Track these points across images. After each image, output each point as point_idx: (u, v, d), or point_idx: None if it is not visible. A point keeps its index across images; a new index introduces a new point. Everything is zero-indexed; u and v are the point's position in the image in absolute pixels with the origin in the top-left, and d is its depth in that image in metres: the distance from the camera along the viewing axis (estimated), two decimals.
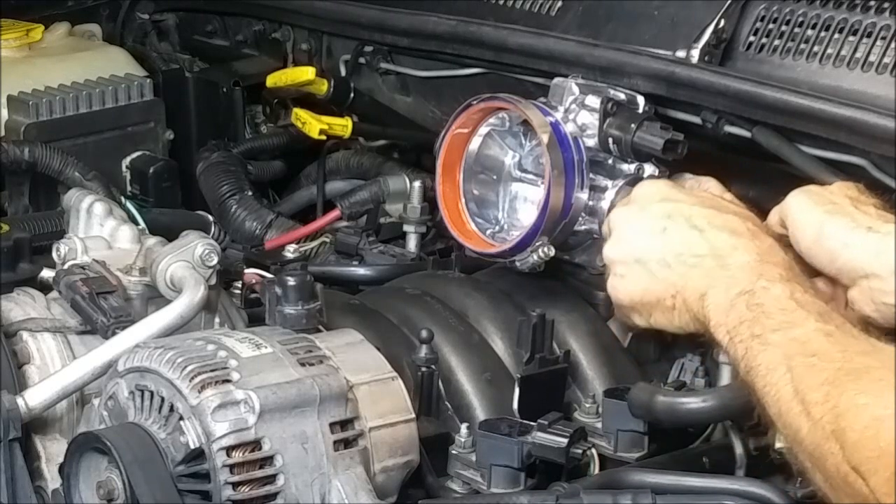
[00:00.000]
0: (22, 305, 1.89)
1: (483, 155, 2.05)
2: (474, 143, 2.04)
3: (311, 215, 2.68)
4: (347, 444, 1.68)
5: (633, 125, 1.95)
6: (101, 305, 1.83)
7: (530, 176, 2.03)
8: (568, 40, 2.14)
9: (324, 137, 2.63)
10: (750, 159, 2.00)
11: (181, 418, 1.62)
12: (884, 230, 1.65)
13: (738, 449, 1.89)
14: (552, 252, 1.94)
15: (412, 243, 2.44)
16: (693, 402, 1.79)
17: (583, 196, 1.95)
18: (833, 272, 1.69)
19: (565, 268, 2.05)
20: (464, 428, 1.86)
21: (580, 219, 1.96)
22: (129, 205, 2.42)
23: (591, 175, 1.95)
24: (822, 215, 1.69)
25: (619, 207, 1.86)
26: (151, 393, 1.65)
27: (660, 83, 2.00)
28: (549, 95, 2.01)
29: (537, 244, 1.93)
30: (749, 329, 1.57)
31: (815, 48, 1.96)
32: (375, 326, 1.95)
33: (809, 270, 1.71)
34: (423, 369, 1.86)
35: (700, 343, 1.92)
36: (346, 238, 2.41)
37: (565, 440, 1.76)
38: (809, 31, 1.97)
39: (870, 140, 1.81)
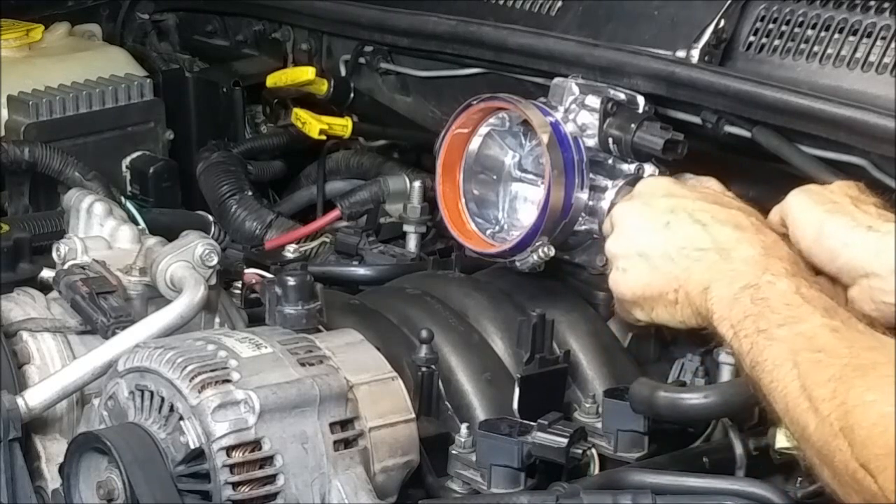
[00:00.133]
0: (22, 305, 1.89)
1: (483, 155, 2.05)
2: (474, 143, 2.04)
3: (311, 215, 2.68)
4: (347, 444, 1.68)
5: (633, 125, 1.95)
6: (101, 305, 1.83)
7: (530, 176, 2.03)
8: (568, 40, 2.14)
9: (324, 137, 2.63)
10: (750, 159, 2.00)
11: (181, 418, 1.62)
12: (884, 229, 1.65)
13: (738, 449, 1.89)
14: (552, 252, 1.94)
15: (412, 243, 2.44)
16: (695, 398, 1.79)
17: (583, 196, 1.95)
18: (833, 271, 1.69)
19: (565, 268, 2.05)
20: (464, 428, 1.86)
21: (580, 219, 1.96)
22: (129, 205, 2.42)
23: (591, 175, 1.95)
24: (823, 214, 1.69)
25: (622, 202, 1.86)
26: (151, 393, 1.65)
27: (660, 83, 2.00)
28: (549, 95, 2.01)
29: (537, 244, 1.93)
30: (754, 323, 1.56)
31: (815, 48, 1.96)
32: (375, 326, 1.95)
33: (811, 270, 1.71)
34: (423, 369, 1.86)
35: (700, 343, 1.93)
36: (346, 238, 2.41)
37: (565, 440, 1.76)
38: (809, 31, 1.97)
39: (870, 140, 1.81)
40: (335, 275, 2.29)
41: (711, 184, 1.92)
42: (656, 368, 2.03)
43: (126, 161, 2.68)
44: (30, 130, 2.55)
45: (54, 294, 1.92)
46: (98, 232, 2.05)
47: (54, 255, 1.96)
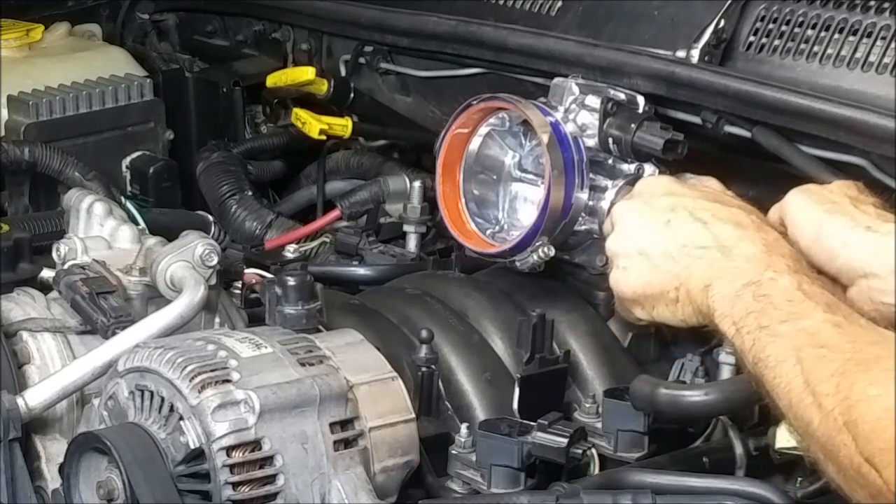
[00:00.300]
0: (22, 305, 1.89)
1: (483, 155, 2.05)
2: (474, 143, 2.04)
3: (311, 215, 2.68)
4: (347, 444, 1.68)
5: (633, 125, 1.95)
6: (101, 305, 1.83)
7: (530, 176, 2.03)
8: (568, 40, 2.14)
9: (324, 137, 2.63)
10: (750, 159, 2.00)
11: (181, 418, 1.62)
12: (883, 230, 1.65)
13: (738, 449, 1.89)
14: (552, 252, 1.94)
15: (412, 243, 2.44)
16: (696, 395, 1.78)
17: (583, 196, 1.95)
18: (832, 271, 1.69)
19: (565, 268, 2.05)
20: (464, 428, 1.86)
21: (580, 219, 1.96)
22: (129, 205, 2.42)
23: (591, 175, 1.95)
24: (822, 214, 1.69)
25: (623, 201, 1.85)
26: (151, 393, 1.65)
27: (660, 83, 2.00)
28: (549, 95, 2.01)
29: (537, 244, 1.93)
30: (756, 320, 1.56)
31: (815, 48, 1.96)
32: (375, 326, 1.95)
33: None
34: (423, 369, 1.86)
35: (700, 342, 1.93)
36: (346, 238, 2.41)
37: (565, 440, 1.76)
38: (809, 31, 1.97)
39: (870, 140, 1.81)
40: (335, 275, 2.29)
41: (711, 183, 1.92)
42: (656, 368, 2.03)
43: (126, 161, 2.68)
44: (30, 130, 2.55)
45: (54, 294, 1.92)
46: (98, 232, 2.05)
47: (54, 255, 1.96)
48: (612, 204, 1.93)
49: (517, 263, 1.96)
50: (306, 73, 2.60)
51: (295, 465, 1.63)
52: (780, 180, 1.87)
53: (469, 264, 2.16)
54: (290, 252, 2.47)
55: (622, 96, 1.99)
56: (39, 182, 2.54)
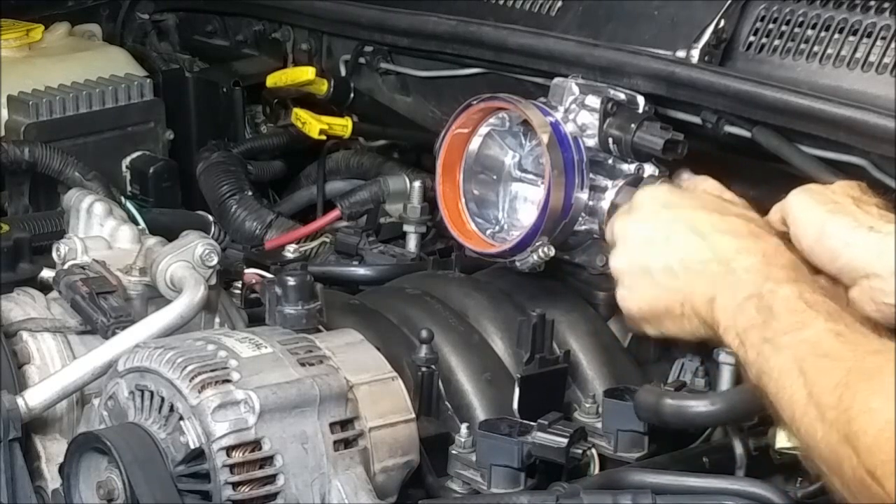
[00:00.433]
0: (22, 305, 1.89)
1: (483, 155, 2.05)
2: (474, 143, 2.04)
3: (311, 215, 2.68)
4: (347, 444, 1.68)
5: (633, 125, 1.95)
6: (101, 305, 1.83)
7: (530, 176, 2.03)
8: (568, 40, 2.14)
9: (324, 137, 2.63)
10: (750, 159, 2.00)
11: (181, 418, 1.62)
12: (885, 230, 1.65)
13: (738, 449, 1.89)
14: (552, 252, 1.94)
15: (412, 243, 2.44)
16: (701, 405, 1.78)
17: (583, 196, 1.95)
18: (834, 272, 1.69)
19: (565, 268, 2.05)
20: (464, 428, 1.86)
21: (580, 219, 1.96)
22: (129, 205, 2.42)
23: (591, 175, 1.95)
24: (824, 214, 1.69)
25: (622, 217, 1.84)
26: (151, 393, 1.65)
27: (660, 83, 2.00)
28: (549, 95, 2.01)
29: (537, 244, 1.93)
30: (759, 333, 1.56)
31: (815, 48, 1.96)
32: (375, 326, 1.95)
33: (811, 269, 1.71)
34: (423, 369, 1.86)
35: (700, 343, 1.93)
36: (346, 238, 2.41)
37: (565, 440, 1.76)
38: (809, 31, 1.97)
39: (870, 140, 1.81)
40: (335, 275, 2.29)
41: (708, 184, 1.92)
42: (656, 368, 2.03)
43: (126, 161, 2.68)
44: (30, 130, 2.55)
45: (54, 294, 1.92)
46: (98, 232, 2.05)
47: (54, 255, 1.96)
48: (613, 204, 1.93)
49: (517, 263, 1.96)
50: (306, 73, 2.60)
51: (295, 465, 1.63)
52: (781, 180, 1.87)
53: (469, 264, 2.16)
54: (290, 252, 2.47)
55: (622, 96, 1.99)
56: (39, 182, 2.54)
